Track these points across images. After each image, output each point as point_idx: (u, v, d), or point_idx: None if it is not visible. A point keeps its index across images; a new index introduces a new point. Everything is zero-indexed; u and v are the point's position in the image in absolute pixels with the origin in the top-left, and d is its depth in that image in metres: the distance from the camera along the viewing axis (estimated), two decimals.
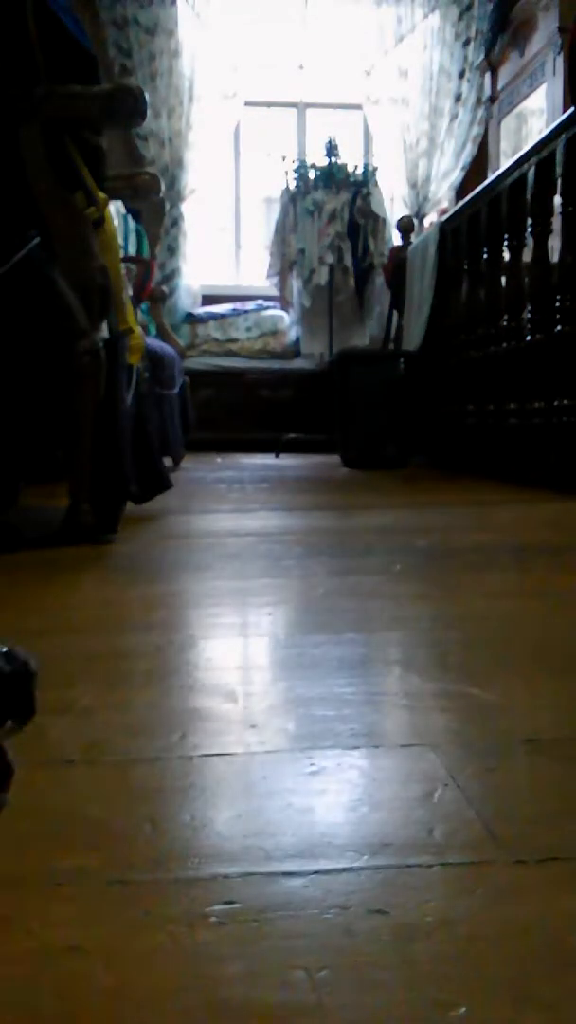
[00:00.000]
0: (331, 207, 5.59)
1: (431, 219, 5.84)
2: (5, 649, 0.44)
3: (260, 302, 5.94)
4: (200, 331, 5.82)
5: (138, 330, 2.36)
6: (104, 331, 2.03)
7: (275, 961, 0.47)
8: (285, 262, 5.77)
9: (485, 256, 3.87)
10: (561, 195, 3.11)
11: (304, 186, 5.65)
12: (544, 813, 0.65)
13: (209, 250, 6.22)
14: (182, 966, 0.46)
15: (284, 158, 5.77)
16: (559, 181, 3.10)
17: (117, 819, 0.63)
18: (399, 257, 5.04)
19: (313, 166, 5.69)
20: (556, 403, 3.08)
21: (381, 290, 5.64)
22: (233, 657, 1.14)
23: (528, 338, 3.36)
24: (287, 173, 5.70)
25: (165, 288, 5.32)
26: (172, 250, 5.98)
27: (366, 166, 5.78)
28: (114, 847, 0.59)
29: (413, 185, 6.09)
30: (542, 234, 3.31)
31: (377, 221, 5.64)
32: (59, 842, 0.60)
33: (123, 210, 4.08)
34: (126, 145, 5.72)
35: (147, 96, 2.01)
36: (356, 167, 5.71)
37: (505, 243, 3.64)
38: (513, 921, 0.50)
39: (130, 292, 3.21)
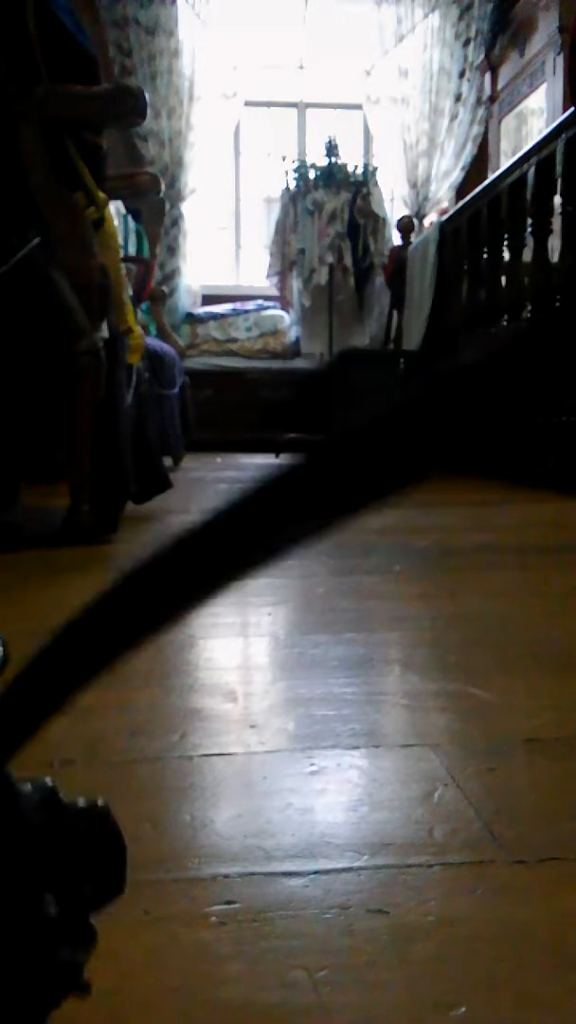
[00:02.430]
0: (331, 207, 5.58)
1: (431, 219, 5.83)
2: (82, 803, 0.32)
3: (260, 302, 5.94)
4: (200, 331, 5.82)
5: (138, 330, 2.36)
6: (104, 331, 2.03)
7: (275, 961, 0.47)
8: (285, 262, 5.76)
9: (485, 256, 3.86)
10: (561, 195, 3.11)
11: (304, 186, 5.65)
12: (544, 813, 0.65)
13: (209, 250, 6.21)
14: (182, 966, 0.46)
15: (284, 158, 5.76)
16: (559, 181, 3.10)
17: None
18: (399, 257, 5.03)
19: (313, 166, 5.69)
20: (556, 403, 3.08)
21: (381, 290, 5.63)
22: (233, 657, 1.14)
23: None
24: (287, 173, 5.69)
25: (165, 288, 5.31)
26: (172, 250, 5.97)
27: (366, 166, 5.77)
28: None
29: (413, 185, 6.08)
30: (542, 234, 3.31)
31: (377, 221, 5.64)
32: None
33: (123, 210, 4.08)
34: (126, 145, 5.71)
35: (147, 96, 2.01)
36: (356, 167, 5.71)
37: (505, 243, 3.64)
38: (513, 921, 0.50)
39: (130, 292, 3.20)
